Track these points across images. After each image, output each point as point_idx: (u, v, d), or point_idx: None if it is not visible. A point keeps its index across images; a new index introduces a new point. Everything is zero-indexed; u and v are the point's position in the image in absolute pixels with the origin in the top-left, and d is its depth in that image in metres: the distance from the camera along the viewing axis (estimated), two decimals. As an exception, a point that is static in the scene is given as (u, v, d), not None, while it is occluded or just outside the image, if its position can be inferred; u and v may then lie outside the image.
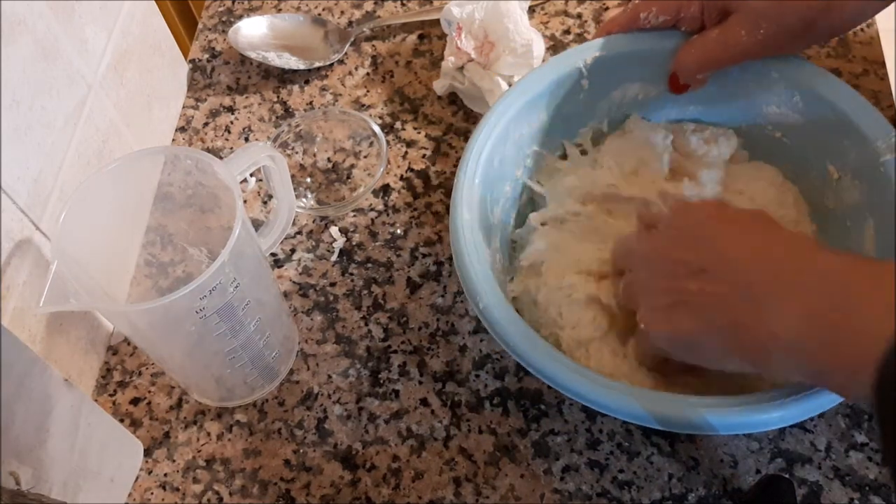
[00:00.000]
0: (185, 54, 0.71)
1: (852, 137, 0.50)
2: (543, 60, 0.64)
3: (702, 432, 0.43)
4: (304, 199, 0.62)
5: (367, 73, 0.69)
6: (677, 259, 0.43)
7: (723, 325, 0.40)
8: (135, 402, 0.55)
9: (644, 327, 0.45)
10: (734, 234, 0.42)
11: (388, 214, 0.61)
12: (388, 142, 0.63)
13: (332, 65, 0.69)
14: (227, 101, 0.68)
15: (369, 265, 0.59)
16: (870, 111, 0.51)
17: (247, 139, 0.66)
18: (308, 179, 0.63)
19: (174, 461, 0.52)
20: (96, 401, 0.54)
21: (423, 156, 0.64)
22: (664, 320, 0.43)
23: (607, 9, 0.71)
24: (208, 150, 0.65)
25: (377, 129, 0.62)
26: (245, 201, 0.61)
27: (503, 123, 0.52)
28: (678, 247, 0.44)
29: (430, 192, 0.62)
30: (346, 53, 0.70)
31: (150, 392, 0.55)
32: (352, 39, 0.70)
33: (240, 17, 0.73)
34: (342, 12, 0.73)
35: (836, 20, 0.50)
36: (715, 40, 0.52)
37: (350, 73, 0.69)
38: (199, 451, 0.52)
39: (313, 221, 0.61)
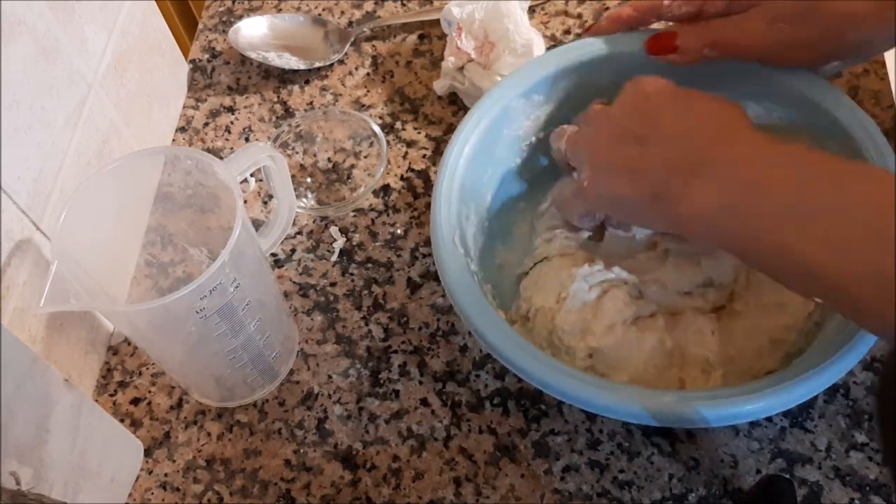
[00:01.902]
0: (186, 54, 0.71)
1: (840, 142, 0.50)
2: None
3: (687, 425, 0.44)
4: (304, 200, 0.62)
5: (368, 74, 0.69)
6: (624, 125, 0.46)
7: (655, 192, 0.43)
8: (135, 402, 0.55)
9: (587, 185, 0.48)
10: (677, 110, 0.45)
11: (388, 214, 0.61)
12: (388, 142, 0.63)
13: (332, 65, 0.69)
14: (227, 101, 0.68)
15: (369, 265, 0.59)
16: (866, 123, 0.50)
17: (247, 139, 0.66)
18: (308, 179, 0.63)
19: (174, 461, 0.52)
20: (96, 401, 0.54)
21: (424, 156, 0.64)
22: (606, 182, 0.46)
23: (607, 8, 0.71)
24: (208, 151, 0.65)
25: (377, 129, 0.62)
26: (245, 201, 0.61)
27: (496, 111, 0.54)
28: (626, 115, 0.46)
29: (431, 192, 0.62)
30: (346, 53, 0.70)
31: (150, 392, 0.55)
32: (352, 39, 0.70)
33: (240, 18, 0.73)
34: (342, 12, 0.73)
35: (860, 35, 0.48)
36: (733, 23, 0.50)
37: (350, 74, 0.69)
38: (199, 451, 0.52)
39: (313, 221, 0.61)
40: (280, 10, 0.73)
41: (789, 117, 0.53)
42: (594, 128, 0.48)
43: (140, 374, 0.56)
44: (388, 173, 0.63)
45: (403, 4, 0.73)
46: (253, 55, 0.68)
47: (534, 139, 0.57)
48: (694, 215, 0.42)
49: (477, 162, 0.53)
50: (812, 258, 0.37)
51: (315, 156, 0.64)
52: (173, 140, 0.66)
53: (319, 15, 0.72)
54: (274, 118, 0.67)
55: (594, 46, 0.55)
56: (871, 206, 0.37)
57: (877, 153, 0.49)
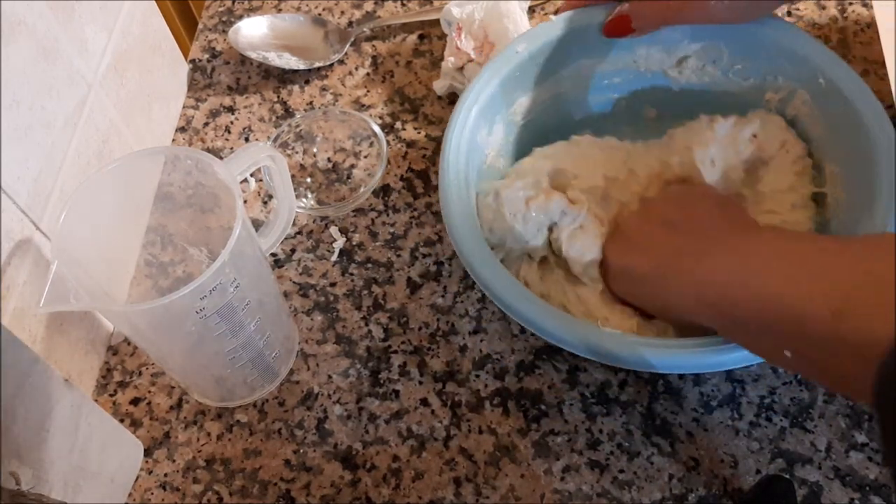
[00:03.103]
0: (186, 54, 0.71)
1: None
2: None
3: (633, 367, 0.47)
4: (304, 199, 0.62)
5: (368, 73, 0.69)
6: (659, 212, 0.51)
7: (662, 266, 0.47)
8: (135, 402, 0.55)
9: (605, 254, 0.52)
10: (708, 206, 0.51)
11: (388, 214, 0.61)
12: (388, 142, 0.63)
13: (332, 65, 0.69)
14: (227, 101, 0.68)
15: (369, 265, 0.59)
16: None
17: (247, 139, 0.66)
18: (308, 179, 0.63)
19: (174, 461, 0.52)
20: (96, 401, 0.54)
21: (424, 156, 0.64)
22: (621, 251, 0.51)
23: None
24: (208, 151, 0.65)
25: (377, 129, 0.62)
26: (245, 201, 0.61)
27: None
28: (664, 205, 0.52)
29: (431, 192, 0.62)
30: (346, 53, 0.70)
31: (150, 392, 0.55)
32: (352, 39, 0.70)
33: (240, 18, 0.73)
34: (342, 12, 0.73)
35: None
36: None
37: (350, 73, 0.69)
38: (199, 452, 0.52)
39: (313, 221, 0.61)
40: (280, 10, 0.73)
41: (786, 79, 0.56)
42: (633, 217, 0.53)
43: (140, 374, 0.56)
44: (388, 173, 0.63)
45: (403, 4, 0.73)
46: (253, 55, 0.68)
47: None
48: (699, 282, 0.45)
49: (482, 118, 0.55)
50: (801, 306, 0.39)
51: (315, 156, 0.64)
52: (173, 140, 0.66)
53: (319, 15, 0.72)
54: (274, 118, 0.67)
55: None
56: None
57: (874, 115, 0.50)
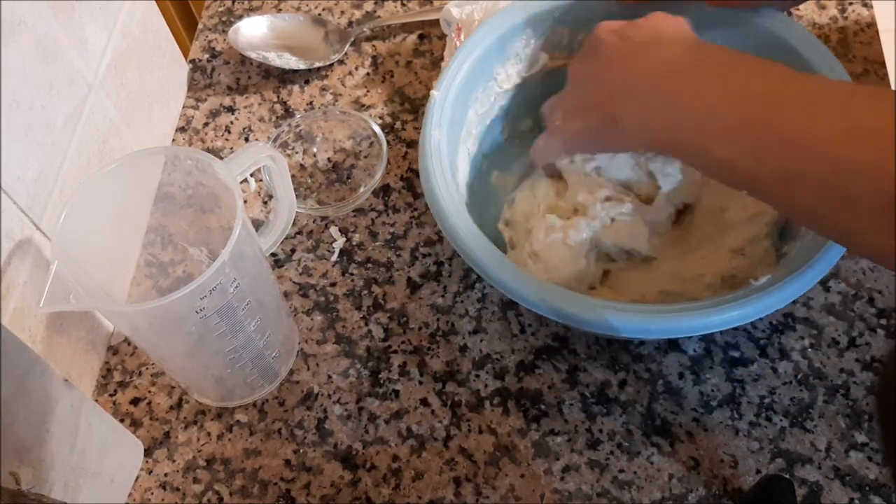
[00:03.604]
0: (185, 54, 0.71)
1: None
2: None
3: (602, 332, 0.49)
4: (304, 200, 0.62)
5: (368, 73, 0.69)
6: (585, 70, 0.50)
7: (605, 120, 0.47)
8: (135, 402, 0.55)
9: (557, 125, 0.51)
10: (625, 48, 0.48)
11: (388, 214, 0.61)
12: (388, 142, 0.63)
13: (332, 65, 0.69)
14: (227, 101, 0.68)
15: (369, 265, 0.59)
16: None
17: (247, 139, 0.66)
18: (308, 179, 0.63)
19: (174, 461, 0.52)
20: (96, 401, 0.54)
21: (424, 156, 0.64)
22: (569, 121, 0.50)
23: None
24: (208, 151, 0.65)
25: (377, 129, 0.62)
26: (245, 201, 0.61)
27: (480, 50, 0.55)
28: (586, 59, 0.51)
29: (431, 192, 0.62)
30: (346, 53, 0.70)
31: (150, 392, 0.55)
32: (352, 39, 0.70)
33: (240, 17, 0.73)
34: (342, 12, 0.73)
35: None
36: None
37: (350, 73, 0.69)
38: (199, 451, 0.52)
39: (313, 221, 0.61)
40: (280, 10, 0.73)
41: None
42: (568, 83, 0.52)
43: (140, 374, 0.56)
44: (388, 173, 0.63)
45: (403, 4, 0.73)
46: (253, 55, 0.68)
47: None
48: (630, 129, 0.46)
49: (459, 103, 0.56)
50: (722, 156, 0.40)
51: (315, 156, 0.64)
52: (173, 140, 0.66)
53: (319, 15, 0.72)
54: (274, 118, 0.67)
55: None
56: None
57: None
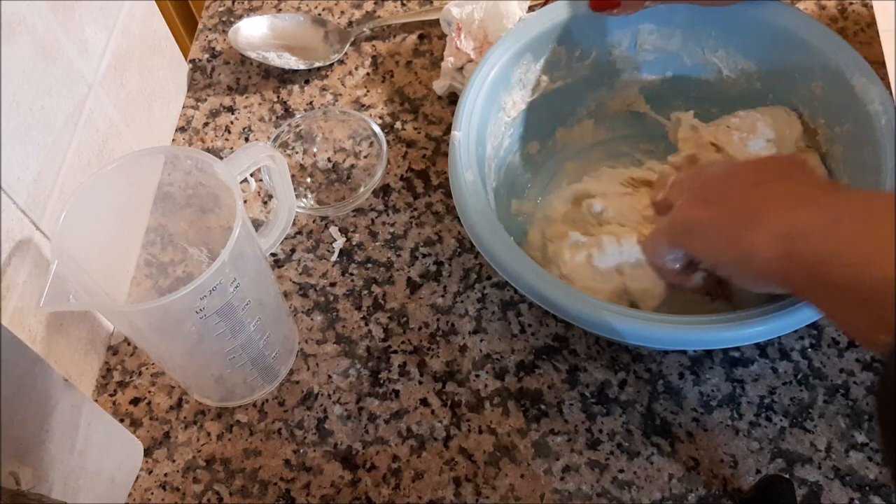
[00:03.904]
0: (186, 54, 0.71)
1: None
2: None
3: (610, 336, 0.47)
4: (304, 200, 0.62)
5: (368, 73, 0.69)
6: (718, 175, 0.48)
7: (751, 214, 0.43)
8: (135, 402, 0.55)
9: (675, 211, 0.47)
10: (781, 167, 0.46)
11: (388, 214, 0.61)
12: (388, 142, 0.63)
13: (332, 65, 0.69)
14: (227, 101, 0.68)
15: (369, 265, 0.59)
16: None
17: (247, 139, 0.66)
18: (308, 179, 0.63)
19: (174, 461, 0.52)
20: (96, 401, 0.54)
21: (423, 156, 0.64)
22: (692, 204, 0.46)
23: None
24: (208, 151, 0.65)
25: (377, 129, 0.62)
26: (245, 201, 0.61)
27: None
28: (737, 167, 0.49)
29: (430, 192, 0.62)
30: (346, 53, 0.70)
31: (150, 392, 0.55)
32: (352, 39, 0.70)
33: (240, 17, 0.73)
34: (342, 12, 0.73)
35: None
36: None
37: (350, 73, 0.69)
38: (199, 451, 0.52)
39: (313, 221, 0.61)
40: (280, 10, 0.73)
41: (778, 60, 0.56)
42: (692, 176, 0.50)
43: (140, 373, 0.56)
44: (388, 173, 0.63)
45: (403, 4, 0.73)
46: (253, 55, 0.68)
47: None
48: (788, 234, 0.40)
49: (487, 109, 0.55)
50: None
51: (315, 156, 0.64)
52: (173, 140, 0.66)
53: (319, 15, 0.72)
54: (274, 118, 0.67)
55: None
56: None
57: (872, 85, 0.52)
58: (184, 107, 0.68)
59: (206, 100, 0.68)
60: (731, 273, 0.45)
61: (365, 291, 0.58)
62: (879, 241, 0.36)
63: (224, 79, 0.70)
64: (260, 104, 0.68)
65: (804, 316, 0.44)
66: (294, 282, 0.58)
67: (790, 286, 0.41)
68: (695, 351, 0.53)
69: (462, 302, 0.56)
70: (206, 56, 0.71)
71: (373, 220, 0.61)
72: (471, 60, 0.63)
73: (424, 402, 0.53)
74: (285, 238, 0.59)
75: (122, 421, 0.53)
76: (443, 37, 0.69)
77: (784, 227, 0.40)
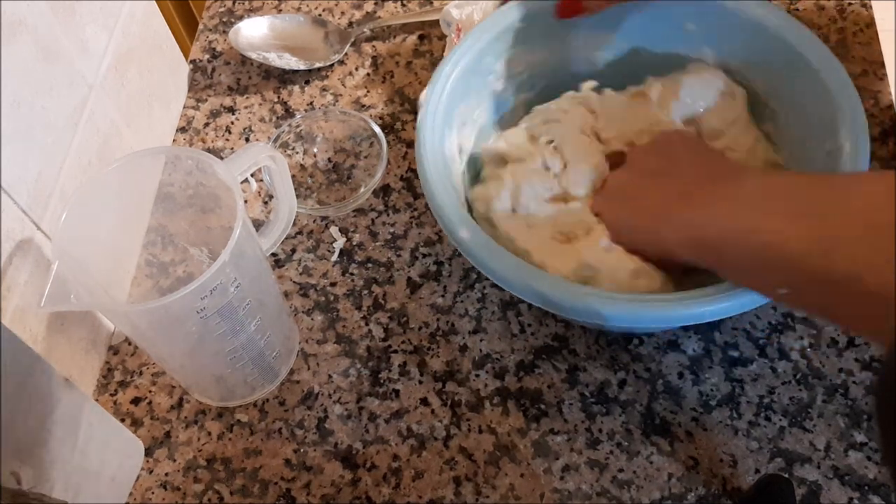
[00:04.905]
0: (186, 55, 0.71)
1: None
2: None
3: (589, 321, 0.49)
4: (304, 200, 0.62)
5: (368, 74, 0.69)
6: (644, 164, 0.52)
7: (660, 212, 0.47)
8: (136, 401, 0.55)
9: (602, 213, 0.52)
10: (695, 153, 0.50)
11: (388, 214, 0.61)
12: (388, 142, 0.64)
13: (332, 65, 0.69)
14: (227, 101, 0.68)
15: (369, 265, 0.59)
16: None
17: (247, 139, 0.66)
18: (308, 179, 0.63)
19: (175, 461, 0.52)
20: (97, 400, 0.54)
21: (424, 156, 0.64)
22: (615, 207, 0.51)
23: None
24: (209, 151, 0.65)
25: (377, 129, 0.62)
26: (246, 201, 0.61)
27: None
28: (647, 156, 0.52)
29: (431, 193, 0.62)
30: (346, 54, 0.70)
31: (150, 392, 0.55)
32: (352, 40, 0.70)
33: (240, 18, 0.73)
34: (342, 13, 0.73)
35: None
36: None
37: (350, 74, 0.69)
38: (199, 451, 0.53)
39: (313, 221, 0.61)
40: (280, 10, 0.74)
41: (750, 55, 0.56)
42: (621, 173, 0.53)
43: (140, 373, 0.56)
44: (388, 173, 0.63)
45: (403, 5, 0.73)
46: (253, 55, 0.68)
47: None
48: (693, 226, 0.45)
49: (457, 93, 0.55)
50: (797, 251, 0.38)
51: (315, 156, 0.64)
52: (174, 140, 0.67)
53: (319, 15, 0.73)
54: (274, 118, 0.67)
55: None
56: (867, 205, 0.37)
57: (839, 83, 0.50)
58: (184, 107, 0.68)
59: (206, 100, 0.68)
60: (665, 262, 0.49)
61: (365, 291, 0.58)
62: (763, 213, 0.41)
63: (224, 79, 0.70)
64: (260, 104, 0.68)
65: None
66: (294, 282, 0.59)
67: (712, 268, 0.44)
68: (694, 350, 0.53)
69: (462, 302, 0.57)
70: (207, 56, 0.71)
71: (373, 220, 0.61)
72: (471, 61, 0.63)
73: (424, 401, 0.53)
74: (286, 238, 0.59)
75: (122, 420, 0.53)
76: (443, 37, 0.69)
77: (688, 222, 0.45)
